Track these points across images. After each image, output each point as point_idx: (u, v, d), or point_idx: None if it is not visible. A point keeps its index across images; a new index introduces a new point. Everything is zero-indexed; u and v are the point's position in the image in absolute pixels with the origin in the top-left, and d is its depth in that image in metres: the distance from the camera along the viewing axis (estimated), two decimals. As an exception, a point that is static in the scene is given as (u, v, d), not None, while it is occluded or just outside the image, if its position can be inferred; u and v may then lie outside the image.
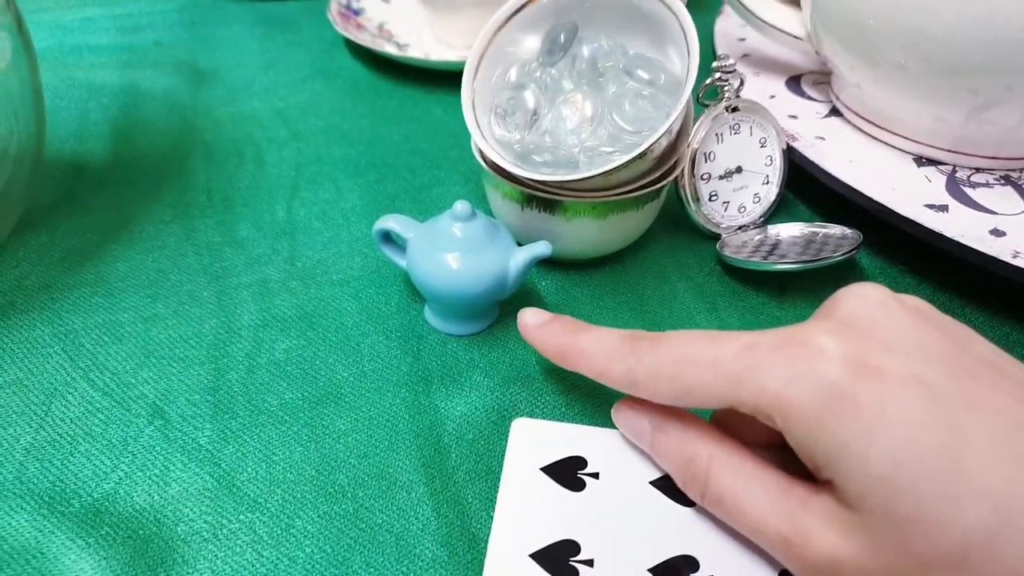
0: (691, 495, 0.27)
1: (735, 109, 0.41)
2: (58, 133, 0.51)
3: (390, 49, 0.57)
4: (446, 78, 0.57)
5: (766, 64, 0.52)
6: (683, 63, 0.35)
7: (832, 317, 0.24)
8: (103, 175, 0.47)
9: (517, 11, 0.38)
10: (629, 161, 0.33)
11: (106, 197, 0.45)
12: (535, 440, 0.31)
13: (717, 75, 0.41)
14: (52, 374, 0.34)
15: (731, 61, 0.41)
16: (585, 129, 0.37)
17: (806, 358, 0.22)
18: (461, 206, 0.34)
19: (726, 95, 0.41)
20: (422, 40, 0.61)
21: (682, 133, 0.38)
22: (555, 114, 0.37)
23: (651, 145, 0.33)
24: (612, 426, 0.32)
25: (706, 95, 0.41)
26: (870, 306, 0.24)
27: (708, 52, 0.56)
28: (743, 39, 0.55)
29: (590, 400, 0.34)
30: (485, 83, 0.39)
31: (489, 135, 0.37)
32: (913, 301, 0.25)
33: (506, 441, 0.31)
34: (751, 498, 0.25)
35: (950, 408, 0.21)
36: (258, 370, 0.35)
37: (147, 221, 0.43)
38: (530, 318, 0.31)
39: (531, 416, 0.33)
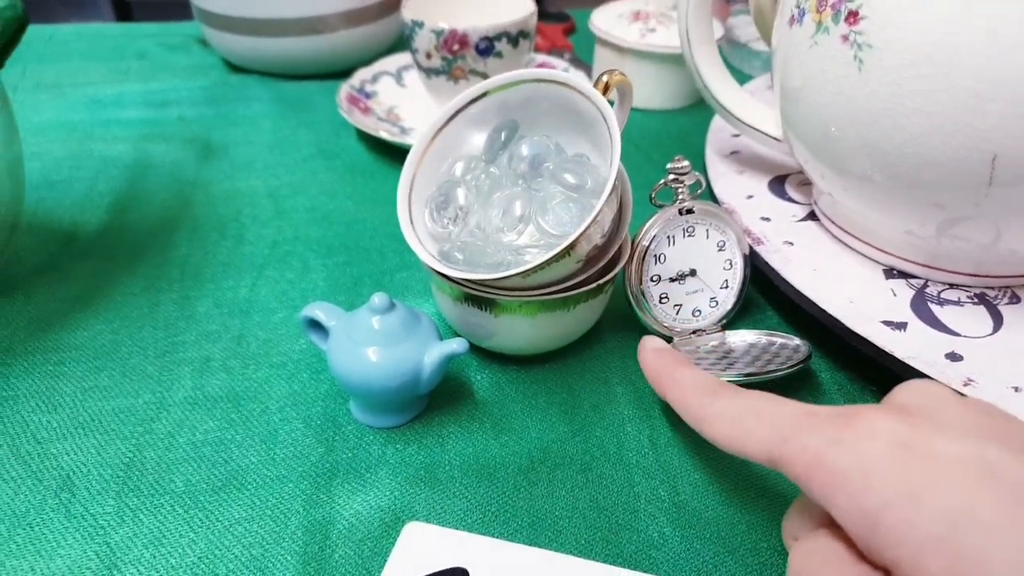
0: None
1: (689, 211, 0.40)
2: (63, 202, 0.53)
3: (393, 132, 0.59)
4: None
5: (753, 162, 0.51)
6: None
7: (887, 404, 0.25)
8: (90, 245, 0.49)
9: (463, 108, 0.39)
10: (545, 262, 0.33)
11: (88, 266, 0.47)
12: (423, 546, 0.30)
13: (671, 176, 0.40)
14: (-20, 440, 0.35)
15: (685, 163, 0.40)
16: (515, 228, 0.36)
17: (853, 427, 0.23)
18: (378, 299, 0.34)
19: (679, 197, 0.40)
20: (429, 124, 0.62)
21: (615, 237, 0.37)
22: (485, 212, 0.37)
23: (566, 248, 0.32)
24: (505, 537, 0.31)
25: (659, 196, 0.40)
26: (928, 397, 0.24)
27: (701, 147, 0.55)
28: (737, 135, 0.53)
29: (491, 507, 0.33)
30: (430, 175, 0.39)
31: (422, 228, 0.37)
32: (976, 399, 0.24)
33: (394, 543, 0.30)
34: None
35: (1013, 483, 0.20)
36: (175, 449, 0.35)
37: (118, 292, 0.45)
38: (650, 343, 0.36)
39: (427, 520, 0.32)
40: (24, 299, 0.44)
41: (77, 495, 0.33)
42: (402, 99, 0.65)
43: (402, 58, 0.67)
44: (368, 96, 0.63)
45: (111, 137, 0.62)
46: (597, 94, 0.35)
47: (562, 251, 0.32)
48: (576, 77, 0.35)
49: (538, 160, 0.37)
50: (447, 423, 0.37)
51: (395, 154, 0.59)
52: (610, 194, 0.33)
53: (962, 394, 0.32)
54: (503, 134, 0.38)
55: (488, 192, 0.37)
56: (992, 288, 0.39)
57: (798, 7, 0.37)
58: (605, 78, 0.36)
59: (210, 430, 0.36)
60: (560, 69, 0.65)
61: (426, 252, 0.36)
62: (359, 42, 0.69)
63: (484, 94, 0.38)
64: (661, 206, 0.40)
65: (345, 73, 0.67)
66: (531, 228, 0.36)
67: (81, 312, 0.43)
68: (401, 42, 0.69)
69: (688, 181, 0.40)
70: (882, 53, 0.33)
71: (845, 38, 0.34)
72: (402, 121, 0.62)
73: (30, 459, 0.35)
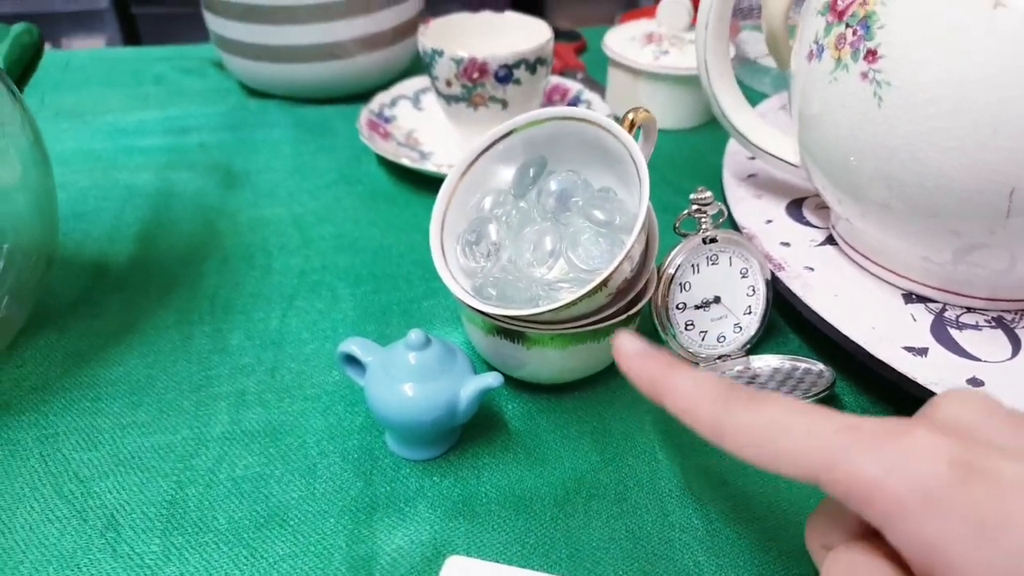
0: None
1: (712, 240, 0.40)
2: (92, 233, 0.54)
3: (414, 157, 0.59)
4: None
5: (771, 186, 0.51)
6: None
7: (932, 419, 0.23)
8: (121, 277, 0.50)
9: (492, 144, 0.39)
10: (577, 299, 0.33)
11: (119, 300, 0.48)
12: (465, 580, 0.31)
13: (694, 207, 0.41)
14: (25, 478, 0.36)
15: (708, 194, 0.40)
16: (545, 263, 0.37)
17: (911, 450, 0.21)
18: (415, 335, 0.35)
19: (703, 226, 0.40)
20: (448, 149, 0.63)
21: (643, 269, 0.38)
22: (516, 247, 0.37)
23: (598, 285, 0.33)
24: (545, 570, 0.32)
25: (683, 226, 0.41)
26: (970, 410, 0.23)
27: (714, 166, 0.56)
28: (753, 158, 0.54)
29: (529, 539, 0.34)
30: (460, 210, 0.40)
31: (454, 263, 0.38)
32: (1013, 407, 0.24)
33: (436, 578, 0.31)
34: None
35: None
36: (216, 486, 0.36)
37: (150, 326, 0.46)
38: (628, 344, 0.29)
39: (468, 554, 0.33)
40: (58, 334, 0.45)
41: (123, 534, 0.34)
42: (420, 123, 0.66)
43: (419, 81, 0.68)
44: (387, 120, 0.64)
45: (134, 166, 0.62)
46: (624, 132, 0.35)
47: (596, 287, 0.33)
48: (602, 115, 0.36)
49: (566, 195, 0.38)
50: (481, 454, 0.38)
51: (417, 179, 0.60)
52: (640, 230, 0.34)
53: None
54: (532, 170, 0.39)
55: (518, 227, 0.38)
56: (1009, 312, 0.40)
57: (816, 43, 0.38)
58: (631, 116, 0.37)
59: (249, 465, 0.37)
60: (574, 90, 0.66)
61: (460, 288, 0.36)
62: (376, 66, 0.70)
63: (511, 132, 0.39)
64: (685, 235, 0.41)
65: (363, 96, 0.68)
66: (561, 262, 0.37)
67: (115, 347, 0.44)
68: (417, 65, 0.70)
69: (711, 211, 0.41)
70: (900, 90, 0.34)
71: (864, 75, 0.35)
72: (421, 145, 0.63)
73: (74, 498, 0.36)
